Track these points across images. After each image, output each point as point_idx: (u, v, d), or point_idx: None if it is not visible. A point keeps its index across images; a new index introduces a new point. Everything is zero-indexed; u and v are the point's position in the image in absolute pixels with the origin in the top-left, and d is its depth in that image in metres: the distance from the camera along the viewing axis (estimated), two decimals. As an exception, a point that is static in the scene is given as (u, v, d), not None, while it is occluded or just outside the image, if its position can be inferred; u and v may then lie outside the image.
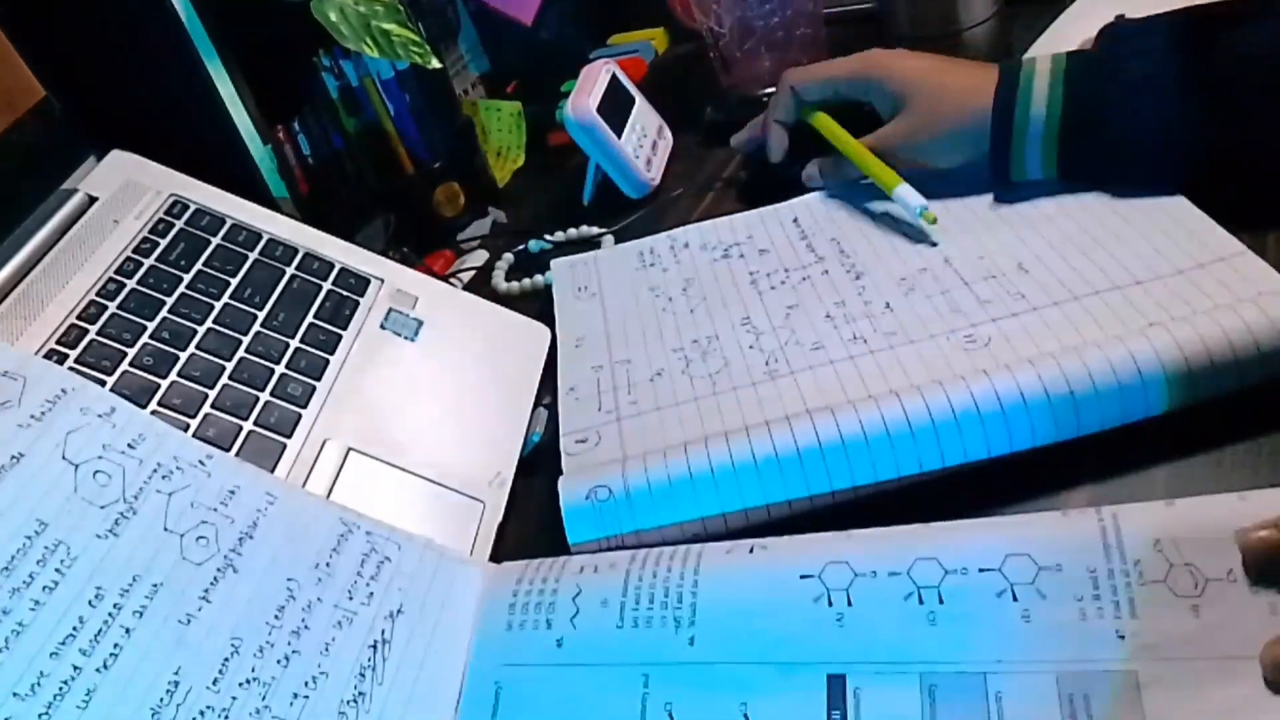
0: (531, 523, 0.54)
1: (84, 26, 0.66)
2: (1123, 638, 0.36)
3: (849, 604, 0.39)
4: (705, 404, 0.53)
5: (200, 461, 0.46)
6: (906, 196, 0.61)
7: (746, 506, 0.46)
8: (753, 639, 0.40)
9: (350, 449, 0.53)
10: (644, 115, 0.83)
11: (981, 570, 0.39)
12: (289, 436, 0.52)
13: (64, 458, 0.43)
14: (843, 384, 0.52)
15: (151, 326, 0.54)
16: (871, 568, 0.40)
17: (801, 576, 0.41)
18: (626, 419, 0.54)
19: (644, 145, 0.81)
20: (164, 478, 0.45)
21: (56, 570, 0.40)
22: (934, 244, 0.60)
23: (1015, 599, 0.38)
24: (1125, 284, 0.51)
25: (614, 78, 0.81)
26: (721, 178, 0.80)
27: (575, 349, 0.62)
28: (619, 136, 0.78)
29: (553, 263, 0.71)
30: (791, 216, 0.68)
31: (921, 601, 0.39)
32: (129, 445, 0.45)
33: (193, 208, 0.61)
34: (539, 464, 0.57)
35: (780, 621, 0.40)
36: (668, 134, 0.86)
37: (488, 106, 0.91)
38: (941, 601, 0.38)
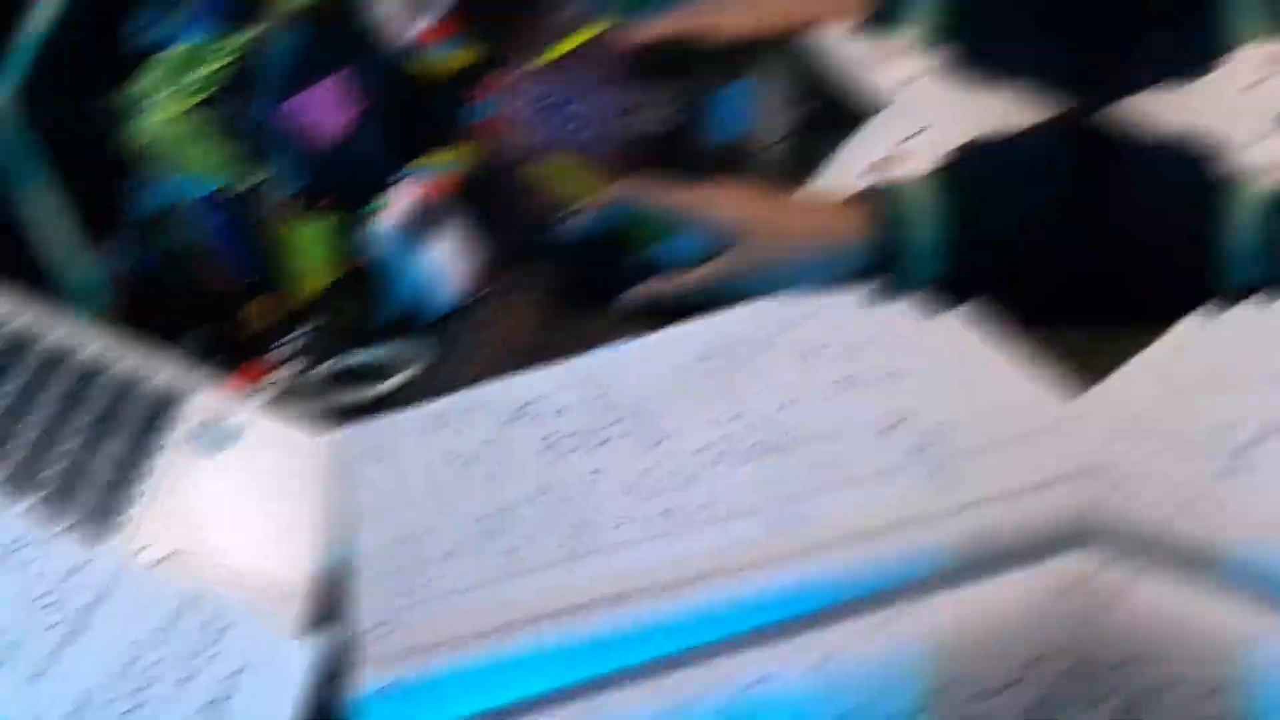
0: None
1: None
2: None
3: None
4: (502, 587, 0.56)
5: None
6: None
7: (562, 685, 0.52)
8: None
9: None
10: (455, 234, 0.90)
11: None
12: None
13: None
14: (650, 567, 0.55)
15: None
16: None
17: None
18: (422, 603, 0.57)
19: (455, 264, 0.89)
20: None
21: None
22: None
23: None
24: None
25: (425, 196, 0.89)
26: (538, 294, 0.88)
27: (366, 522, 0.64)
28: (429, 256, 0.86)
29: (342, 434, 0.74)
30: (589, 373, 0.72)
31: None
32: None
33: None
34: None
35: None
36: (480, 250, 0.92)
37: (299, 224, 0.93)
38: None
